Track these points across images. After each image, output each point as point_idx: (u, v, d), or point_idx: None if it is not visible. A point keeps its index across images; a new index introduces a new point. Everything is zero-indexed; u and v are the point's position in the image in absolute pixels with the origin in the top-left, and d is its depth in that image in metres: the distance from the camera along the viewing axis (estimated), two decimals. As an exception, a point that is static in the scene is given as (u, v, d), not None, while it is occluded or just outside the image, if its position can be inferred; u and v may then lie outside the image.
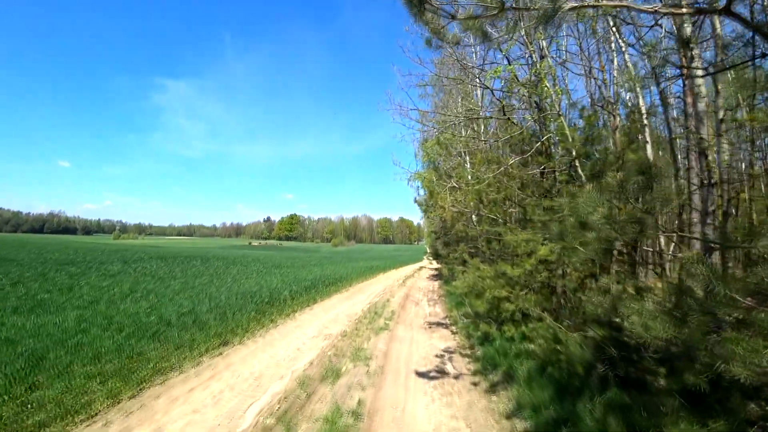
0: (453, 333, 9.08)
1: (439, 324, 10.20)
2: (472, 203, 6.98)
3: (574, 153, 7.17)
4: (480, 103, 12.79)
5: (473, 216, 7.52)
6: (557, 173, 7.58)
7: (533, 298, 6.55)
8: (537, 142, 7.71)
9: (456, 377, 5.94)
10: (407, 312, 12.00)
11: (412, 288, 19.97)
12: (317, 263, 26.80)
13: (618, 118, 7.34)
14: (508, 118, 8.88)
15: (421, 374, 5.88)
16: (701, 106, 4.36)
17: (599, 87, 7.63)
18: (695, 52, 4.44)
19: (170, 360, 5.17)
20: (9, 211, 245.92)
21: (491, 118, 10.03)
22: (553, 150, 7.91)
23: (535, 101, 8.02)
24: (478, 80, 9.40)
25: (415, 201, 8.65)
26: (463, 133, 11.28)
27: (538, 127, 8.08)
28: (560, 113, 7.85)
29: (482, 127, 12.18)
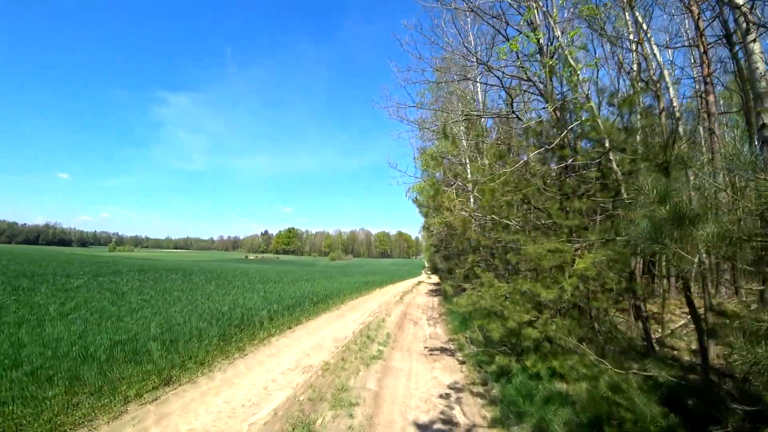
0: (459, 362, 7.63)
1: (442, 350, 8.74)
2: (485, 205, 5.67)
3: (607, 144, 5.88)
4: (481, 103, 11.65)
5: (486, 221, 6.19)
6: (583, 170, 6.30)
7: (563, 323, 5.16)
8: (558, 135, 6.43)
9: (469, 430, 4.50)
10: (405, 334, 10.53)
11: (410, 305, 18.45)
12: (309, 278, 25.27)
13: (664, 99, 6.10)
14: (514, 113, 7.66)
15: (422, 427, 4.43)
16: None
17: (636, 63, 6.42)
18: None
19: (75, 413, 3.73)
20: (5, 222, 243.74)
21: (498, 115, 8.81)
22: (578, 144, 6.65)
23: (550, 88, 6.81)
24: (483, 66, 8.19)
25: (415, 201, 7.27)
26: (464, 139, 10.10)
27: (558, 117, 6.83)
28: (588, 96, 6.63)
29: (484, 131, 11.03)
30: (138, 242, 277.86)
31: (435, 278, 54.08)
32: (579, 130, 6.40)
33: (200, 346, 6.19)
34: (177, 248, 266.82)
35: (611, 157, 5.86)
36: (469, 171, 9.35)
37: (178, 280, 15.55)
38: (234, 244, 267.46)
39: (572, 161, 6.29)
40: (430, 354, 8.27)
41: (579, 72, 6.89)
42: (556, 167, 6.56)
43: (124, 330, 6.54)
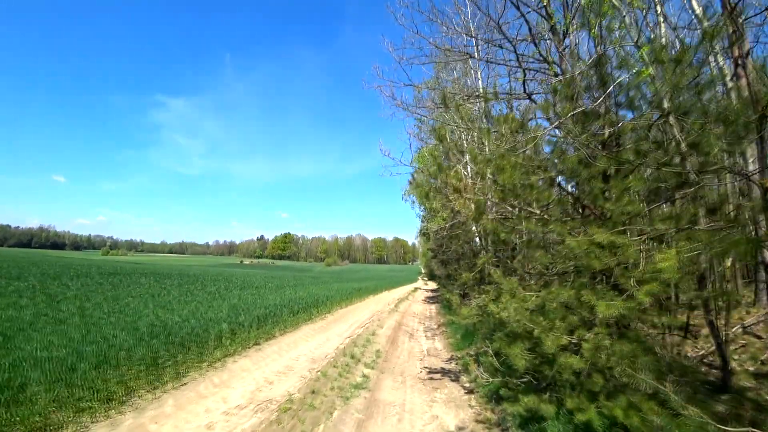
0: (466, 391, 6.00)
1: (443, 372, 7.10)
2: (505, 183, 4.10)
3: (666, 105, 4.34)
4: (482, 90, 10.14)
5: (504, 207, 4.61)
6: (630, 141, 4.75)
7: (623, 349, 3.56)
8: (597, 98, 4.89)
9: None
10: (398, 350, 8.88)
11: (406, 314, 16.79)
12: (298, 284, 23.55)
13: (745, 43, 4.58)
14: (528, 95, 6.16)
15: None
16: None
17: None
18: None
19: None
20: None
21: (507, 95, 7.28)
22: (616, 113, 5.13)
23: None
24: (488, 44, 6.67)
25: (412, 182, 5.71)
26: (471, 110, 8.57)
27: (592, 76, 5.30)
28: (639, 42, 5.12)
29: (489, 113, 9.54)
30: (133, 246, 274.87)
31: (432, 284, 52.41)
32: (623, 94, 4.85)
33: (115, 373, 4.52)
34: (172, 253, 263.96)
35: (671, 122, 4.35)
36: (469, 164, 7.81)
37: (144, 285, 13.83)
38: (230, 248, 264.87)
39: (615, 129, 4.75)
40: (429, 379, 6.63)
41: (625, 13, 5.38)
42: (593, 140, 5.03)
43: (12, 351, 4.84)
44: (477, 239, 18.57)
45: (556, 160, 4.26)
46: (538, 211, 4.81)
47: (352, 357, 7.06)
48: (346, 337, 9.30)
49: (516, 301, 4.04)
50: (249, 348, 6.99)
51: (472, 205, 4.16)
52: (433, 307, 21.90)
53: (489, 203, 4.30)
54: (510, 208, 4.56)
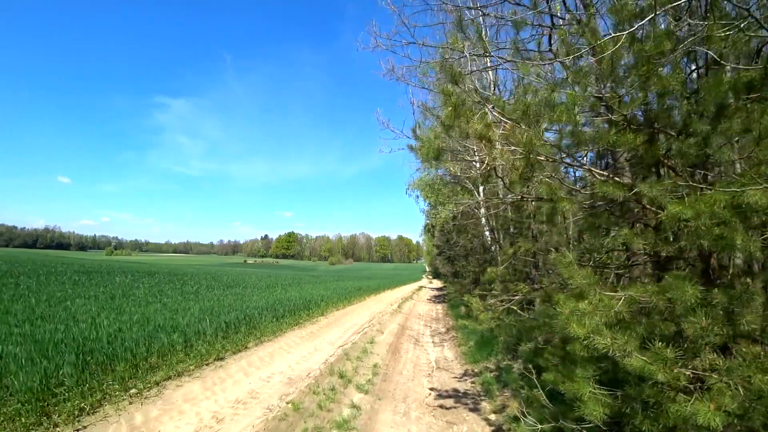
0: (492, 427, 4.40)
1: (457, 396, 5.49)
2: (561, 118, 2.50)
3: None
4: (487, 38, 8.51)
5: (559, 156, 2.97)
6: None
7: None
8: None
9: None
10: (401, 362, 7.29)
11: (410, 315, 15.19)
12: (294, 283, 22.00)
13: None
14: (553, 52, 4.53)
15: None
16: None
17: None
18: None
19: None
20: (3, 225, 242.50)
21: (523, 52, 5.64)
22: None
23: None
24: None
25: (415, 136, 4.28)
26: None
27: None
28: None
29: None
30: (138, 246, 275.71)
31: (437, 282, 50.73)
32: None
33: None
34: (177, 252, 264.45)
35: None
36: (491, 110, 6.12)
37: (115, 284, 12.32)
38: (234, 248, 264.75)
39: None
40: (440, 406, 5.03)
41: None
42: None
43: None
44: (487, 233, 16.95)
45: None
46: (604, 172, 3.19)
47: (342, 376, 5.46)
48: (339, 345, 7.73)
49: (590, 305, 2.43)
50: (207, 365, 5.41)
51: (518, 155, 2.56)
52: (439, 307, 20.26)
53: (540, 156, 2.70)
54: (567, 166, 2.98)
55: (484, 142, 2.73)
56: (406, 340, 9.89)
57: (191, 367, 5.16)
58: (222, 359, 5.79)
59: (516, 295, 4.50)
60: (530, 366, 4.72)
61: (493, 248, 16.24)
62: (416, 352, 8.61)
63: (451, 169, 8.93)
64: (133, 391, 4.17)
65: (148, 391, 4.28)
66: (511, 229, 12.70)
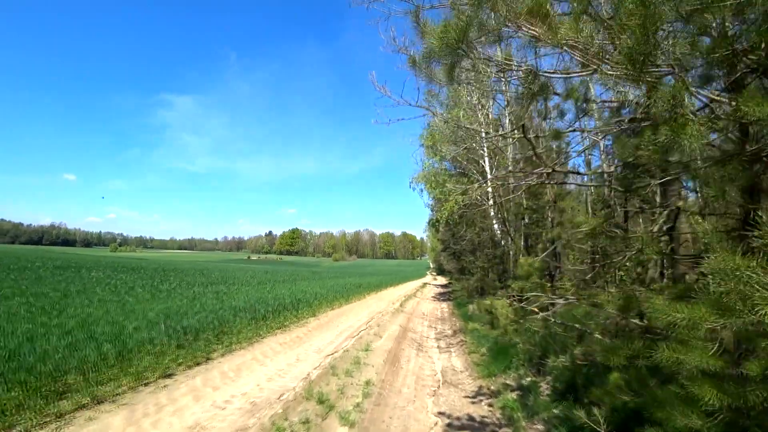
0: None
1: (473, 425, 4.23)
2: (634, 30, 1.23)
3: None
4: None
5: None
6: None
7: None
8: None
9: None
10: (400, 375, 6.05)
11: (413, 315, 13.94)
12: (291, 280, 20.81)
13: None
14: None
15: None
16: None
17: None
18: None
19: None
20: (9, 222, 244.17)
21: None
22: None
23: None
24: None
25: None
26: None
27: None
28: None
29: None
30: (142, 243, 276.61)
31: (442, 279, 49.31)
32: None
33: None
34: (181, 249, 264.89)
35: None
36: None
37: (91, 278, 11.19)
38: (238, 244, 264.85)
39: None
40: (451, 443, 3.77)
41: None
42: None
43: None
44: (496, 225, 15.62)
45: None
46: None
47: (321, 401, 4.22)
48: (328, 354, 6.50)
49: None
50: (147, 384, 4.19)
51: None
52: (444, 305, 18.98)
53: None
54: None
55: (538, 20, 1.46)
56: (408, 345, 8.65)
57: (122, 389, 3.93)
58: (171, 376, 4.56)
59: (558, 297, 3.20)
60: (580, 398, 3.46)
61: (503, 242, 14.93)
62: (419, 361, 7.36)
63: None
64: (17, 430, 2.94)
65: (39, 430, 3.05)
66: (526, 219, 11.38)
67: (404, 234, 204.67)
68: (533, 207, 10.56)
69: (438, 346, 9.10)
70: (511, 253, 13.33)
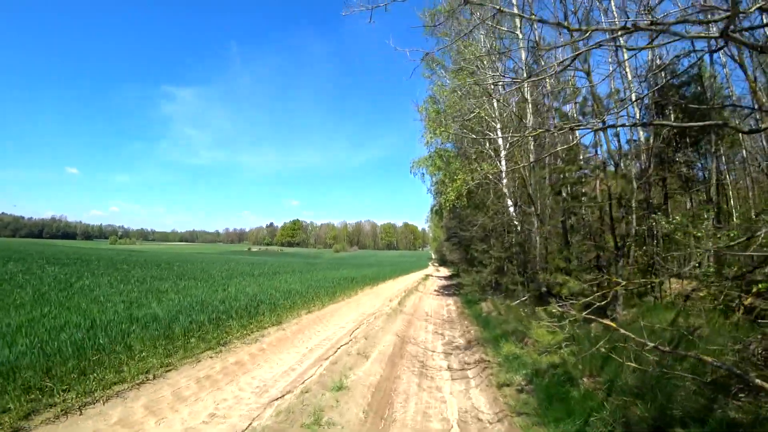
0: None
1: None
2: None
3: None
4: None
5: None
6: None
7: None
8: None
9: None
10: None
11: (415, 315, 11.34)
12: (272, 273, 18.31)
13: None
14: None
15: None
16: None
17: None
18: None
19: None
20: (10, 215, 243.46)
21: None
22: None
23: None
24: None
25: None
26: None
27: None
28: None
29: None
30: (144, 235, 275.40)
31: (444, 270, 46.57)
32: None
33: None
34: (183, 241, 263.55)
35: None
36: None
37: (50, 274, 8.71)
38: (239, 236, 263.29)
39: None
40: None
41: None
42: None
43: None
44: (511, 209, 12.99)
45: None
46: None
47: None
48: (273, 399, 3.92)
49: None
50: None
51: None
52: (450, 301, 16.38)
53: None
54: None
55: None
56: (407, 368, 6.08)
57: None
58: None
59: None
60: None
61: (524, 226, 12.29)
62: (422, 399, 4.77)
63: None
64: None
65: None
66: (563, 194, 8.58)
67: (406, 225, 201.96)
68: (577, 175, 7.73)
69: (449, 367, 6.51)
70: (537, 239, 10.68)
